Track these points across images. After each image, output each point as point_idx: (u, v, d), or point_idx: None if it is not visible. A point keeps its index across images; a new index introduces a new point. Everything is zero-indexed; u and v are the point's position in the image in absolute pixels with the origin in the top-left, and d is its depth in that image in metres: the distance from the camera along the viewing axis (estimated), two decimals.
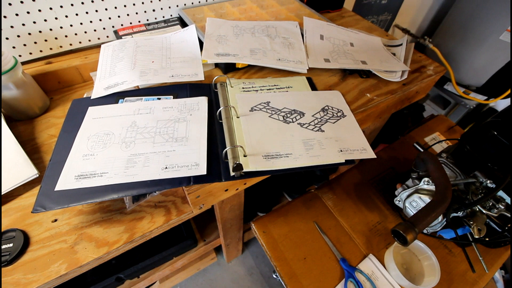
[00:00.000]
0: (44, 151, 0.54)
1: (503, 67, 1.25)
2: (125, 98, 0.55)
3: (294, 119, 0.53)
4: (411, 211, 0.53)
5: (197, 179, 0.43)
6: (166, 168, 0.44)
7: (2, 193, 0.46)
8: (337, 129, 0.52)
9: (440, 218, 0.49)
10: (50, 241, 0.44)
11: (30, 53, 0.63)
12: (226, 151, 0.46)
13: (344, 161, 0.47)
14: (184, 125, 0.50)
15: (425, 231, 0.53)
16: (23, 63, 0.64)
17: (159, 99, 0.55)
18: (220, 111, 0.52)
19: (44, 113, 0.60)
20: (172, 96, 0.56)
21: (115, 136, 0.49)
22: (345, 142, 0.50)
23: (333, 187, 0.69)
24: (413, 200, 0.52)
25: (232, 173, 0.44)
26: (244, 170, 0.43)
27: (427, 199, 0.50)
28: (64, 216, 0.47)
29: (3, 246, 0.43)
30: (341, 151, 0.49)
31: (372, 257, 0.59)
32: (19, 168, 0.49)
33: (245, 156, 0.45)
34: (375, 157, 0.49)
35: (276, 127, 0.51)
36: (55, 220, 0.46)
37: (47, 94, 0.63)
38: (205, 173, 0.43)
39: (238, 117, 0.52)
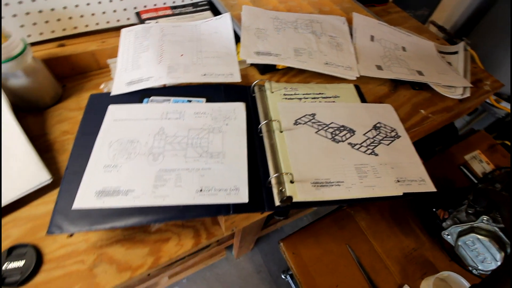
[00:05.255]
0: (57, 149, 0.48)
1: None
2: (151, 98, 0.48)
3: (344, 138, 0.46)
4: (465, 252, 0.48)
5: (238, 208, 0.37)
6: (201, 190, 0.38)
7: (10, 201, 0.40)
8: (392, 153, 0.46)
9: (499, 258, 0.44)
10: (66, 261, 0.39)
11: (41, 33, 0.55)
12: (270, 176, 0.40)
13: (402, 194, 0.42)
14: (220, 137, 0.44)
15: (474, 271, 0.49)
16: (32, 44, 0.56)
17: (189, 101, 0.48)
18: (260, 125, 0.45)
19: (55, 104, 0.53)
20: (204, 99, 0.49)
21: (141, 145, 0.42)
22: (402, 170, 0.44)
23: (367, 206, 0.63)
24: (469, 240, 0.47)
25: (277, 204, 0.38)
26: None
27: (487, 243, 0.45)
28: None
29: (13, 265, 0.37)
30: (398, 181, 0.43)
31: None
32: (29, 171, 0.42)
33: (291, 182, 0.39)
34: (435, 190, 0.43)
35: (324, 146, 0.45)
36: (71, 235, 0.41)
37: (59, 81, 0.55)
38: (246, 201, 0.38)
39: (281, 132, 0.45)
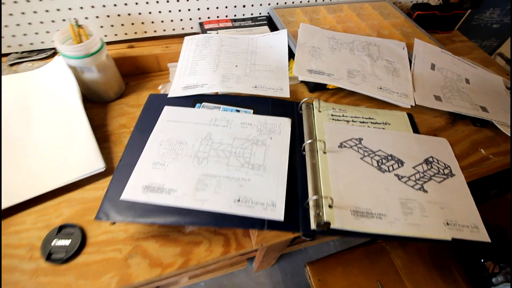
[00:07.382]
0: (113, 141, 0.52)
1: None
2: (203, 103, 0.51)
3: (390, 168, 0.44)
4: None
5: (272, 225, 0.37)
6: (239, 200, 0.39)
7: (69, 182, 0.45)
8: (443, 192, 0.43)
9: None
10: (106, 247, 0.41)
11: (116, 35, 0.62)
12: (308, 197, 0.39)
13: (450, 239, 0.38)
14: (263, 150, 0.44)
15: None
16: (106, 43, 0.62)
17: (237, 111, 0.50)
18: (304, 144, 0.45)
19: (118, 98, 0.59)
20: (252, 111, 0.50)
21: (188, 147, 0.44)
22: (453, 212, 0.40)
23: (405, 244, 0.59)
24: None
25: (313, 227, 0.37)
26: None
27: None
28: None
29: (61, 243, 0.41)
30: (448, 224, 0.39)
31: None
32: (88, 158, 0.47)
33: (330, 206, 0.38)
34: (489, 241, 0.39)
35: (368, 174, 0.43)
36: (114, 223, 0.44)
37: (123, 79, 0.61)
38: (282, 219, 0.37)
39: (324, 153, 0.44)
